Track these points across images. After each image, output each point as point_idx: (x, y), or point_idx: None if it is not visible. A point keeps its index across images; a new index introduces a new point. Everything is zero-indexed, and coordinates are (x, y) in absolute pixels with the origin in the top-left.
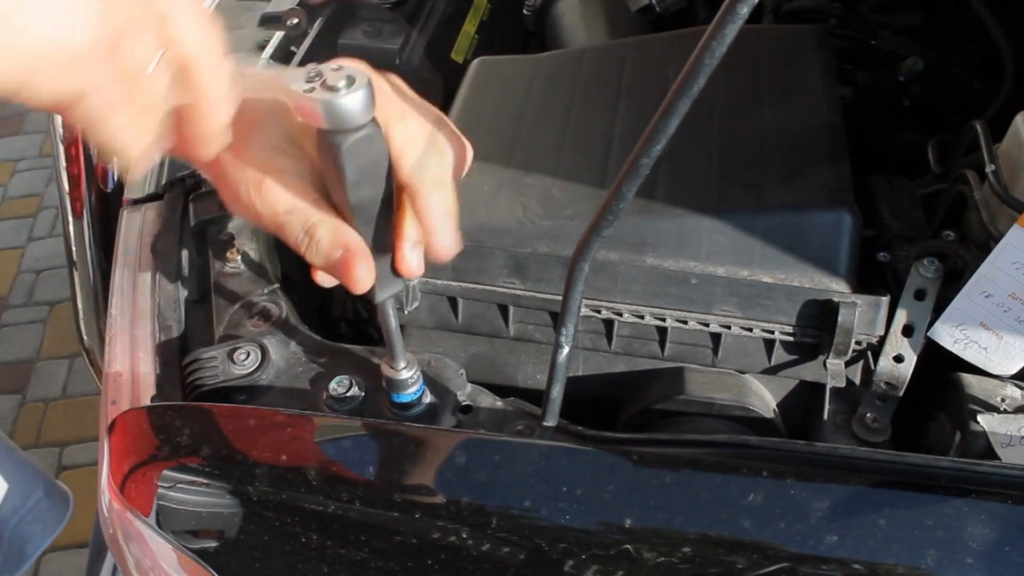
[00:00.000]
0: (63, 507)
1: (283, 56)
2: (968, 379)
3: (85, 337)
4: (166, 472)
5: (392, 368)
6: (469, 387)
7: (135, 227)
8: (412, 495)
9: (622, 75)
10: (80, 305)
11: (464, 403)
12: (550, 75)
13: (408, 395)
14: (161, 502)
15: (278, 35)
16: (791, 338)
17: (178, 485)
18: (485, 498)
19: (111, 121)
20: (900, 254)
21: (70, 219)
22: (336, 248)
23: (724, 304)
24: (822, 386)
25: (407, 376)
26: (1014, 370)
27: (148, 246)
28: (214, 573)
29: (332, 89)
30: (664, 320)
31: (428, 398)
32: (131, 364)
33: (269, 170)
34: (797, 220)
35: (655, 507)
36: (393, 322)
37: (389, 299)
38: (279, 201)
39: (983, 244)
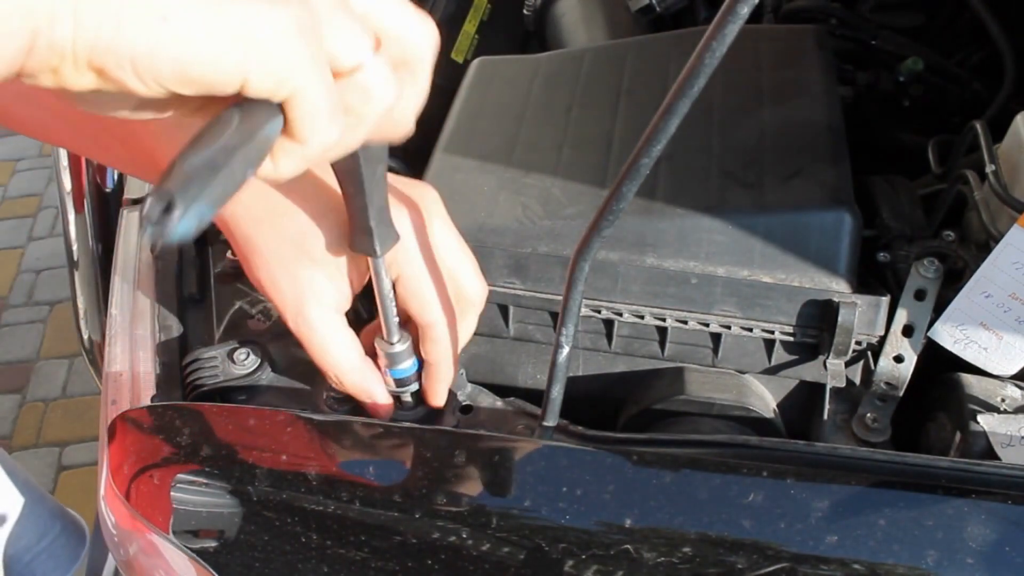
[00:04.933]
0: (79, 544)
1: None
2: (968, 379)
3: (85, 337)
4: (166, 472)
5: (387, 342)
6: (469, 387)
7: (135, 227)
8: (412, 495)
9: (622, 75)
10: (80, 305)
11: (464, 403)
12: (550, 75)
13: (405, 369)
14: (161, 502)
15: None
16: (791, 338)
17: (178, 485)
18: (485, 498)
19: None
20: (900, 254)
21: (70, 218)
22: (361, 395)
23: (724, 304)
24: (822, 386)
25: (402, 349)
26: (1014, 370)
27: (148, 246)
28: (214, 573)
29: None
30: (664, 320)
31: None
32: (131, 364)
33: (310, 301)
34: (797, 220)
35: (655, 507)
36: (387, 288)
37: (381, 262)
38: (318, 345)
39: (983, 244)
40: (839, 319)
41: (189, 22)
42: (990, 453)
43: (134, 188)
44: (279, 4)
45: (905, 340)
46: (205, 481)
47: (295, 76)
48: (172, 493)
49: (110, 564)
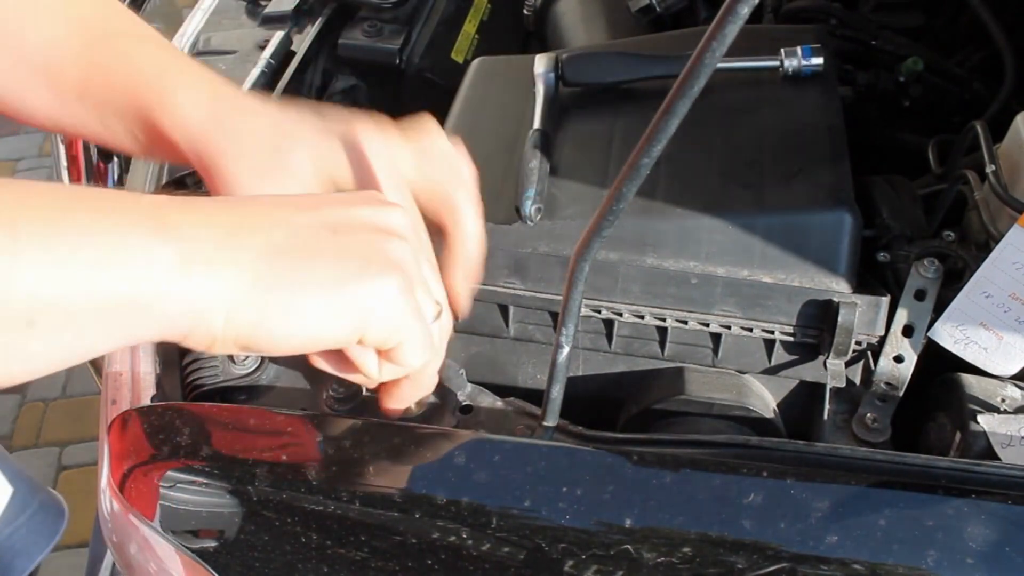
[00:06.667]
0: (58, 519)
1: (283, 56)
2: (968, 379)
3: None
4: (166, 472)
5: None
6: (469, 387)
7: None
8: (412, 495)
9: None
10: None
11: (464, 403)
12: None
13: None
14: (161, 502)
15: (278, 35)
16: (791, 338)
17: (178, 485)
18: (485, 498)
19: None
20: (900, 254)
21: None
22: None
23: (724, 304)
24: (822, 386)
25: None
26: (1014, 370)
27: None
28: (214, 573)
29: None
30: (664, 320)
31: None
32: (131, 364)
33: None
34: (797, 220)
35: (655, 507)
36: None
37: None
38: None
39: (983, 244)
40: (839, 319)
41: (318, 312)
42: (990, 453)
43: (134, 189)
44: (384, 275)
45: (905, 340)
46: (205, 481)
47: (401, 331)
48: (171, 493)
49: (108, 563)
